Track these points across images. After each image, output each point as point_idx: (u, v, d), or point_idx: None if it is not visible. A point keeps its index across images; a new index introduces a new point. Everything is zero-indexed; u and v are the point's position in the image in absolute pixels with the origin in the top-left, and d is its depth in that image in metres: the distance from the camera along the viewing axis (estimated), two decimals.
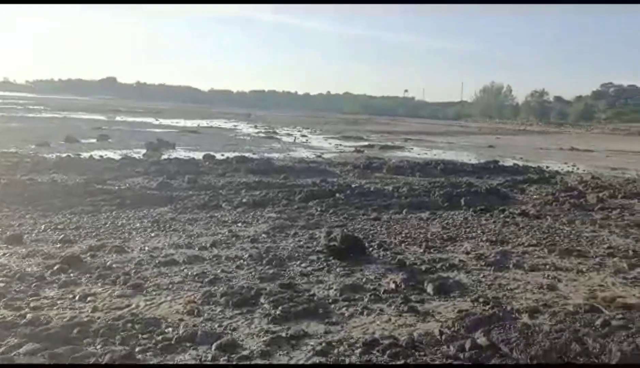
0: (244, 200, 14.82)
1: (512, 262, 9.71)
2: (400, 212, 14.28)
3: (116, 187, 16.42)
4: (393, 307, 7.46)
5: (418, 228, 12.53)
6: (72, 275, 8.25)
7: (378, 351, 6.00)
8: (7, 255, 9.22)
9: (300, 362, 5.64)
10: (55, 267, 8.46)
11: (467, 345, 6.10)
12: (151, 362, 5.53)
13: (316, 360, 5.70)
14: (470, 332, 6.49)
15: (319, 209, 14.12)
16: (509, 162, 29.17)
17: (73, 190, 15.14)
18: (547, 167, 27.87)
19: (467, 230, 12.44)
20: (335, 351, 6.01)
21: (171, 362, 5.60)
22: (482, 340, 6.22)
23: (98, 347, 5.91)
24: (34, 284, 7.78)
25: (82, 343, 5.96)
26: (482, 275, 9.04)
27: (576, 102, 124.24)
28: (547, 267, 9.56)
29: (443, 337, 6.41)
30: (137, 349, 5.86)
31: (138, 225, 11.75)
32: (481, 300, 7.78)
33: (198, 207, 13.89)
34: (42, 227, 11.19)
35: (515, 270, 9.34)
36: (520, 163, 29.18)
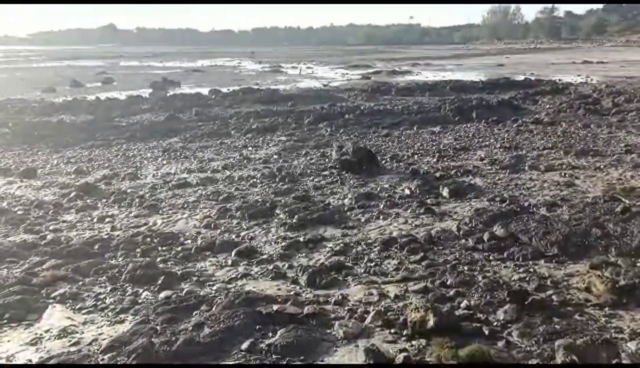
0: (254, 126, 14.69)
1: (527, 165, 9.61)
2: (411, 128, 14.10)
3: (124, 123, 16.34)
4: (409, 210, 7.43)
5: (430, 141, 12.39)
6: (88, 201, 8.29)
7: (396, 248, 6.01)
8: (22, 187, 9.27)
9: (320, 262, 5.66)
10: (72, 195, 8.50)
11: (486, 237, 6.09)
12: (173, 270, 5.58)
13: (336, 259, 5.72)
14: (487, 226, 6.47)
15: (329, 130, 13.99)
16: (519, 78, 28.57)
17: (82, 128, 15.10)
18: (560, 79, 27.27)
19: (480, 140, 12.28)
20: (354, 250, 6.02)
21: (192, 269, 5.65)
22: (500, 231, 6.20)
23: (119, 259, 5.97)
24: (51, 211, 7.84)
25: (104, 257, 6.03)
26: (497, 178, 8.96)
27: (587, 16, 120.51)
28: (564, 166, 9.45)
29: (461, 232, 6.39)
30: (158, 259, 5.92)
31: (149, 155, 11.74)
32: (497, 199, 7.72)
33: (207, 136, 13.82)
34: (55, 161, 11.22)
35: (531, 172, 9.23)
36: (532, 77, 28.58)
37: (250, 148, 12.24)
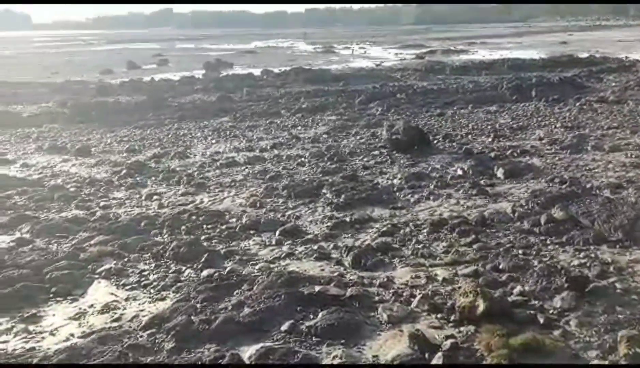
0: (304, 106, 14.57)
1: (590, 145, 9.06)
2: (466, 107, 13.62)
3: (176, 103, 16.52)
4: (461, 191, 7.11)
5: (485, 120, 11.92)
6: (138, 179, 8.38)
7: (446, 229, 5.75)
8: (77, 165, 9.48)
9: (366, 243, 5.48)
10: (122, 173, 8.62)
11: (543, 220, 5.73)
12: (216, 249, 5.52)
13: (382, 240, 5.51)
14: (545, 209, 6.11)
15: (380, 109, 13.69)
16: (583, 55, 27.22)
17: (136, 108, 15.36)
18: (627, 57, 25.82)
19: (539, 119, 11.71)
20: (401, 232, 5.80)
21: (236, 248, 5.58)
22: (559, 214, 5.83)
23: (165, 236, 5.97)
24: (102, 188, 7.95)
25: (150, 234, 6.04)
26: (557, 158, 8.48)
27: None
28: (630, 147, 8.84)
29: (516, 214, 6.05)
30: (202, 237, 5.87)
31: (199, 134, 11.80)
32: (557, 180, 7.29)
33: (257, 115, 13.79)
34: (109, 140, 11.43)
35: (594, 152, 8.70)
36: (597, 55, 27.19)
37: (299, 127, 12.11)
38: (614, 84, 16.61)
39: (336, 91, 17.49)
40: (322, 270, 4.95)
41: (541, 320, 3.82)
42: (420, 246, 5.35)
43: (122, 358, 3.52)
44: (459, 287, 4.28)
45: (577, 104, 13.23)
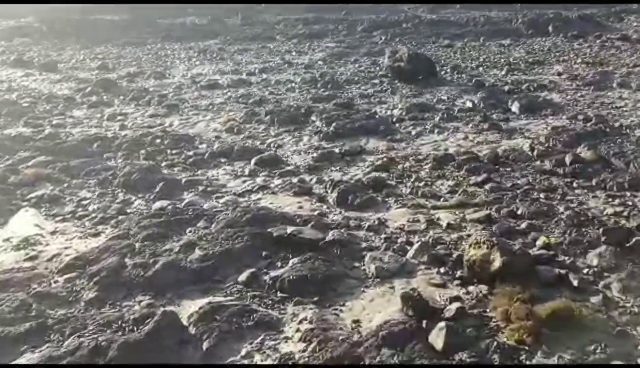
0: (300, 32, 13.37)
1: (615, 82, 8.01)
2: (477, 39, 12.44)
3: (164, 23, 15.25)
4: (470, 125, 6.15)
5: (498, 53, 10.80)
6: (104, 97, 7.39)
7: (452, 166, 4.82)
8: (39, 80, 8.46)
9: (356, 178, 4.57)
10: (87, 90, 7.62)
11: (568, 160, 4.80)
12: (177, 178, 4.62)
13: (376, 175, 4.61)
14: (569, 147, 5.17)
15: (383, 38, 12.51)
16: None
17: (119, 26, 14.14)
18: None
19: (558, 54, 10.59)
20: (399, 166, 4.87)
21: (201, 177, 4.67)
22: (587, 153, 4.90)
23: (119, 160, 5.04)
24: (61, 105, 6.98)
25: (102, 157, 5.11)
26: (578, 95, 7.47)
27: None
28: None
29: (535, 152, 5.11)
30: (163, 164, 4.96)
31: (183, 55, 10.70)
32: (580, 117, 6.31)
33: (250, 39, 12.61)
34: (81, 57, 10.34)
35: (620, 90, 7.67)
36: None
37: (293, 53, 11.00)
38: (635, 23, 15.33)
39: (337, 19, 16.20)
40: (300, 207, 4.06)
41: (574, 282, 2.95)
42: (421, 184, 4.45)
43: (22, 310, 2.66)
44: (468, 235, 3.41)
45: (598, 40, 12.05)
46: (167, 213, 3.77)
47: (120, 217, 3.80)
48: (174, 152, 5.27)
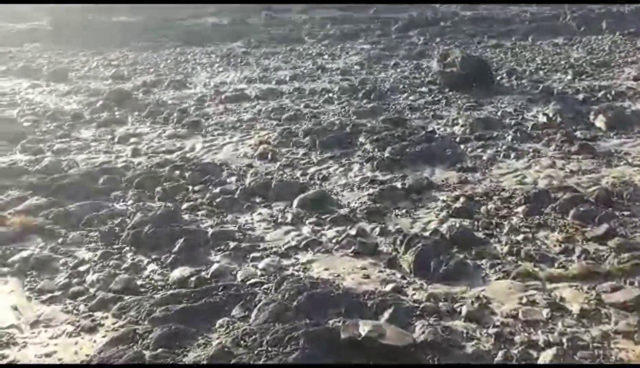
0: (330, 32, 12.33)
1: None
2: (526, 38, 11.26)
3: (184, 25, 14.32)
4: (553, 146, 5.06)
5: (555, 54, 9.64)
6: (116, 113, 6.43)
7: (553, 209, 3.73)
8: (46, 92, 7.55)
9: (431, 227, 3.53)
10: (98, 104, 6.68)
11: None
12: (203, 226, 3.62)
13: (456, 224, 3.56)
14: None
15: (421, 39, 11.39)
16: None
17: (136, 28, 13.24)
18: None
19: (622, 54, 9.39)
20: (483, 210, 3.81)
21: (232, 227, 3.67)
22: None
23: (129, 202, 4.05)
24: (67, 124, 6.03)
25: (108, 197, 4.13)
26: None
27: None
28: None
29: None
30: (183, 206, 3.97)
31: (205, 60, 9.73)
32: None
33: (276, 41, 11.60)
34: (94, 63, 9.42)
35: None
36: None
37: (326, 56, 9.97)
38: None
39: (367, 18, 15.12)
40: (366, 277, 3.04)
41: None
42: (519, 238, 3.39)
43: None
44: (616, 332, 2.34)
45: None
46: (189, 293, 2.77)
47: (126, 299, 2.80)
48: (196, 188, 4.27)
